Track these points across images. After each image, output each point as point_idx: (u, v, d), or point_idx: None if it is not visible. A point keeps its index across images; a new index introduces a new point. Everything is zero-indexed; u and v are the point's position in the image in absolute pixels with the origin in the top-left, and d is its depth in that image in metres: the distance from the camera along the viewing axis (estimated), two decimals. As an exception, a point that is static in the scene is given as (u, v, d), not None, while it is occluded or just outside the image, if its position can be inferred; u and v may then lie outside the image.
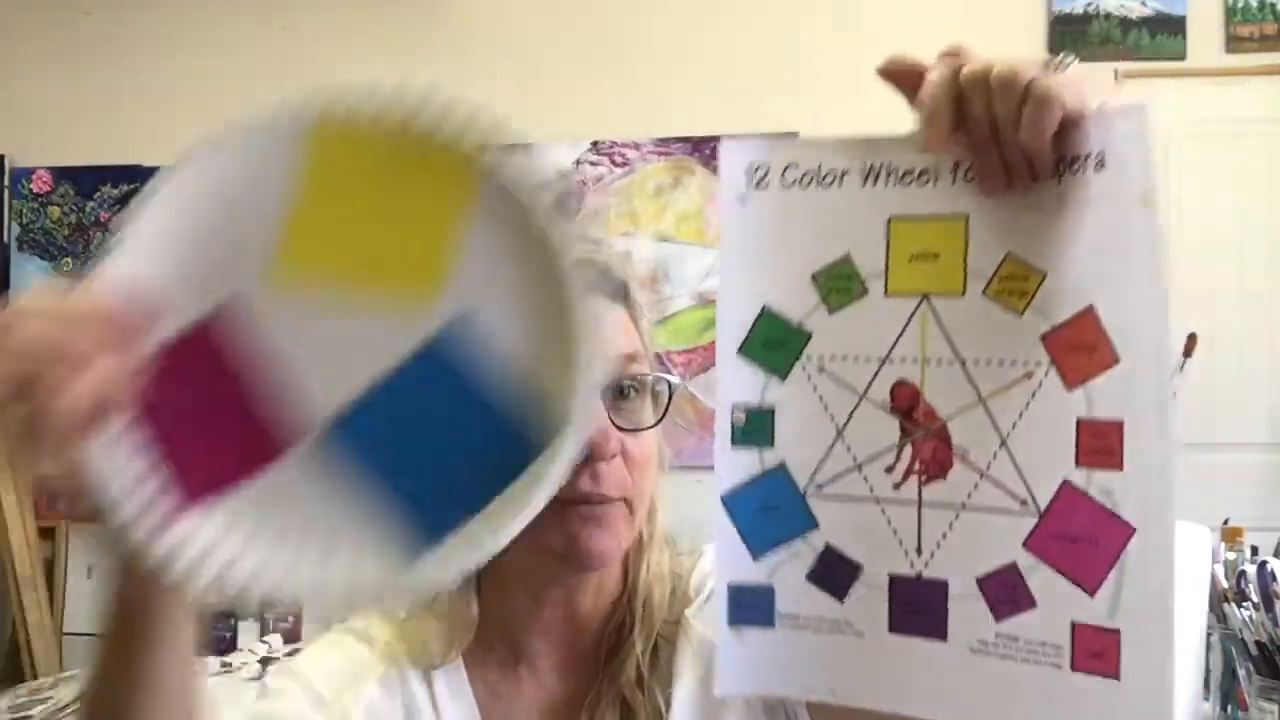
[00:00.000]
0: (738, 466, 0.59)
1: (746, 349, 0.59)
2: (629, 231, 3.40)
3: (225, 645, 2.31)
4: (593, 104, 3.42)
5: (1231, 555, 1.58)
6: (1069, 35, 3.35)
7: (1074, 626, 0.54)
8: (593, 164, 3.45)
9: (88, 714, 0.63)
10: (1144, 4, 3.34)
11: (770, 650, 0.59)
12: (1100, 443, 0.55)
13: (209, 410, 0.52)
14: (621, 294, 0.79)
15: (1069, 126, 0.54)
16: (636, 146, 3.40)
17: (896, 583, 0.58)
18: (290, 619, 2.39)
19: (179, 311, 0.52)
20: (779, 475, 0.58)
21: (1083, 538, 0.55)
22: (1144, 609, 0.53)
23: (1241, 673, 1.49)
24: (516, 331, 0.50)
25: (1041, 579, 0.56)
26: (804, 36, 3.31)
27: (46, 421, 0.48)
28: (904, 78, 0.56)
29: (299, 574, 0.49)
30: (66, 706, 1.77)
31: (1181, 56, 3.32)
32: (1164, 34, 3.33)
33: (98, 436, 0.49)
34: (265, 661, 2.21)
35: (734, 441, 0.59)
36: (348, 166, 0.52)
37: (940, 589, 0.58)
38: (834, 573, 0.59)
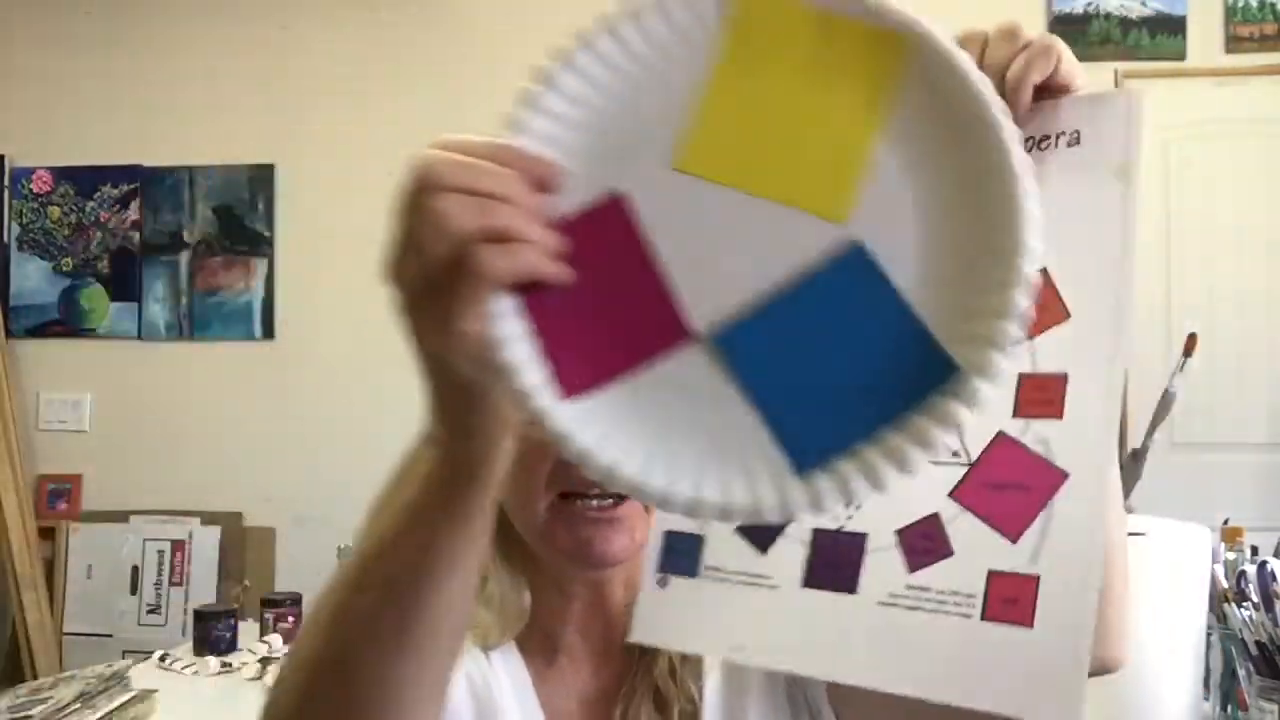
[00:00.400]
0: None
1: None
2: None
3: (225, 645, 2.31)
4: (593, 104, 3.41)
5: (1231, 555, 1.58)
6: (1069, 35, 3.35)
7: (990, 575, 0.53)
8: (593, 164, 3.45)
9: (345, 613, 0.56)
10: (1144, 4, 3.34)
11: (688, 601, 0.59)
12: (1042, 395, 0.55)
13: (591, 300, 0.49)
14: None
15: (1049, 95, 0.56)
16: (636, 146, 3.40)
17: (819, 536, 0.58)
18: (290, 620, 2.38)
19: (567, 196, 0.49)
20: None
21: (1012, 484, 0.55)
22: (1068, 558, 0.52)
23: (1241, 673, 1.49)
24: (925, 260, 0.46)
25: (963, 527, 0.56)
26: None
27: (484, 267, 0.44)
28: None
29: (680, 483, 0.47)
30: (66, 706, 1.77)
31: (1181, 56, 3.32)
32: (1164, 34, 3.33)
33: (515, 293, 0.47)
34: (265, 661, 2.20)
35: None
36: (765, 52, 0.48)
37: (859, 541, 0.57)
38: (762, 525, 0.58)
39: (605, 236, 0.49)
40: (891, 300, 0.46)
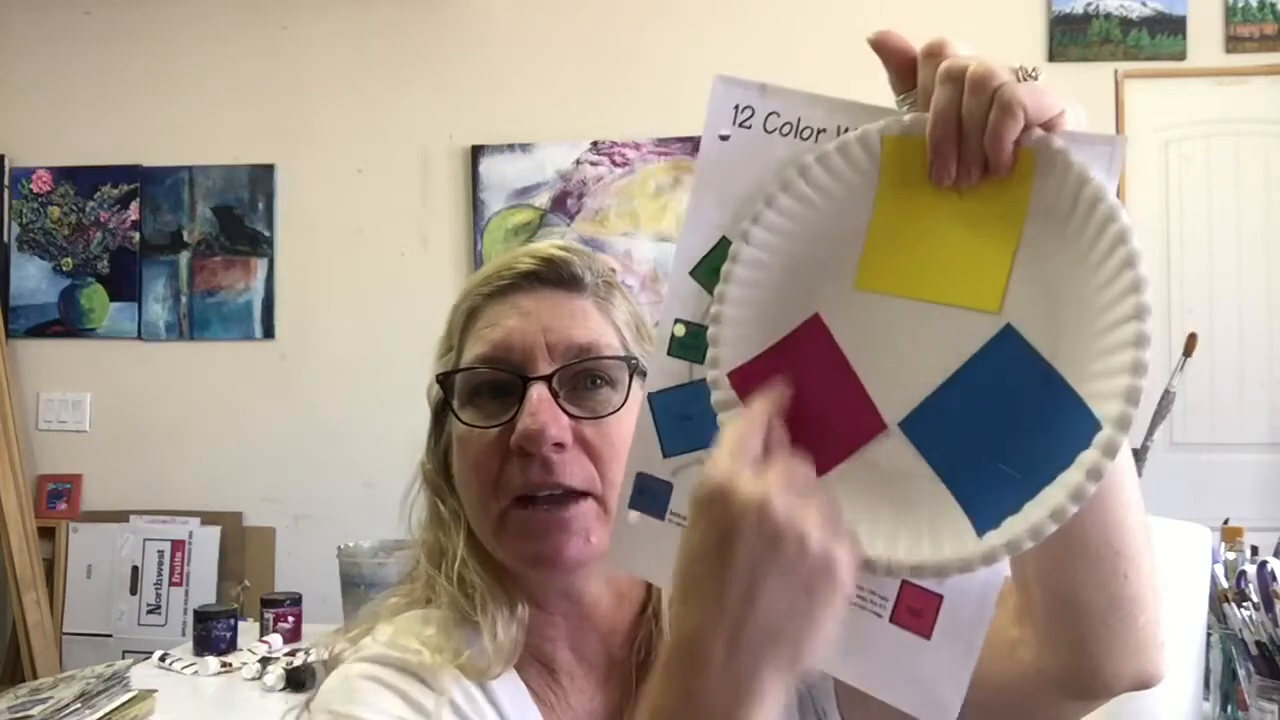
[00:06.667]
0: (669, 373, 0.63)
1: (698, 272, 0.62)
2: (629, 231, 3.40)
3: (225, 645, 2.31)
4: (593, 104, 3.42)
5: (1231, 555, 1.58)
6: (1069, 35, 3.35)
7: (903, 584, 0.57)
8: (593, 164, 3.45)
9: None
10: (1144, 4, 3.34)
11: (655, 540, 0.63)
12: None
13: (808, 405, 0.58)
14: (580, 284, 0.79)
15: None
16: (636, 146, 3.40)
17: None
18: (290, 619, 2.38)
19: (777, 324, 0.59)
20: (702, 390, 0.61)
21: None
22: (967, 585, 0.56)
23: (1241, 673, 1.49)
24: (1058, 331, 0.53)
25: None
26: (804, 37, 3.31)
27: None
28: (892, 54, 0.59)
29: (876, 545, 0.55)
30: (66, 706, 1.77)
31: (1181, 56, 3.32)
32: (1164, 34, 3.33)
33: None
34: (265, 661, 2.20)
35: (670, 351, 0.63)
36: (915, 179, 0.56)
37: None
38: None
39: (810, 351, 0.58)
40: (1040, 369, 0.53)
